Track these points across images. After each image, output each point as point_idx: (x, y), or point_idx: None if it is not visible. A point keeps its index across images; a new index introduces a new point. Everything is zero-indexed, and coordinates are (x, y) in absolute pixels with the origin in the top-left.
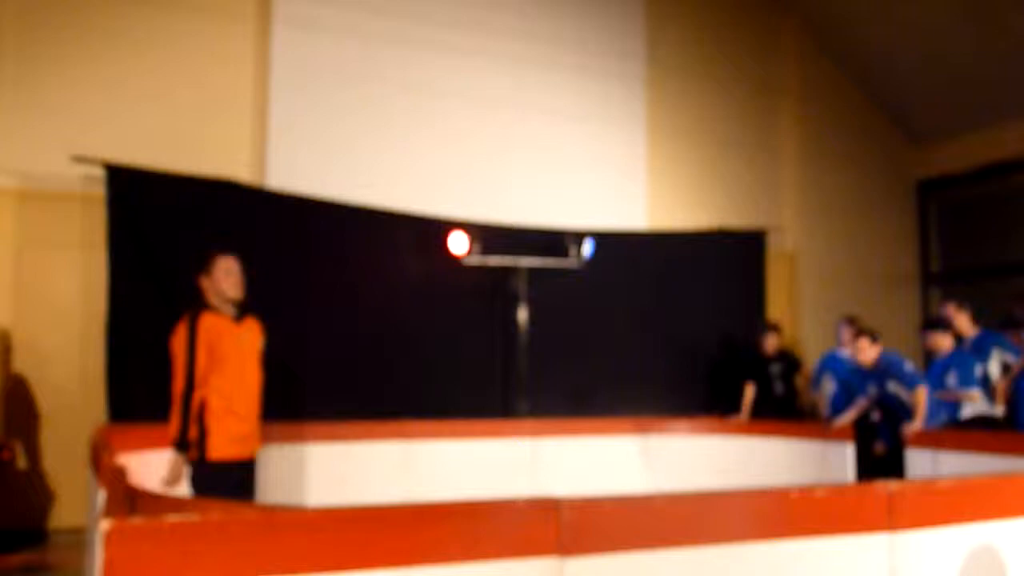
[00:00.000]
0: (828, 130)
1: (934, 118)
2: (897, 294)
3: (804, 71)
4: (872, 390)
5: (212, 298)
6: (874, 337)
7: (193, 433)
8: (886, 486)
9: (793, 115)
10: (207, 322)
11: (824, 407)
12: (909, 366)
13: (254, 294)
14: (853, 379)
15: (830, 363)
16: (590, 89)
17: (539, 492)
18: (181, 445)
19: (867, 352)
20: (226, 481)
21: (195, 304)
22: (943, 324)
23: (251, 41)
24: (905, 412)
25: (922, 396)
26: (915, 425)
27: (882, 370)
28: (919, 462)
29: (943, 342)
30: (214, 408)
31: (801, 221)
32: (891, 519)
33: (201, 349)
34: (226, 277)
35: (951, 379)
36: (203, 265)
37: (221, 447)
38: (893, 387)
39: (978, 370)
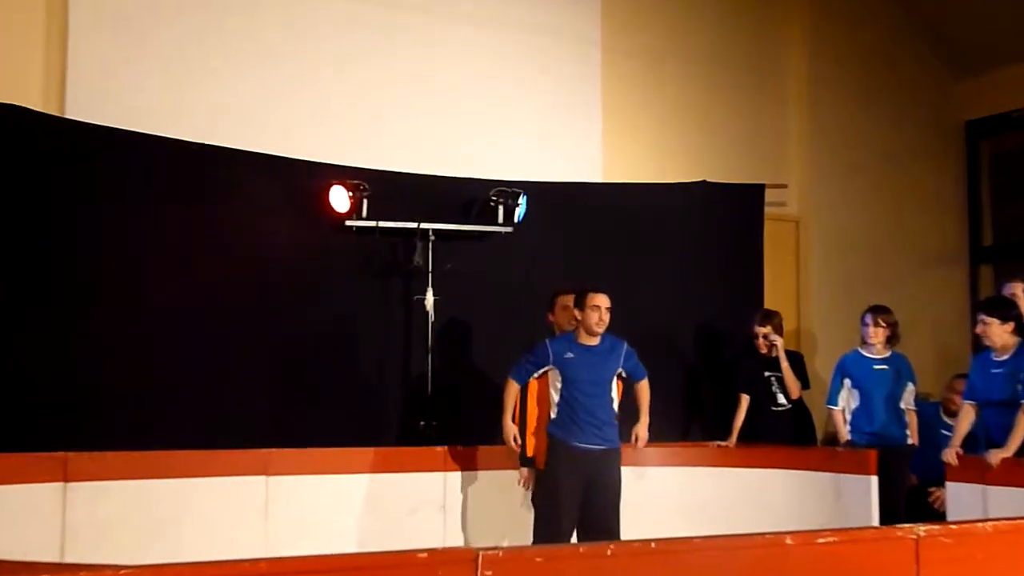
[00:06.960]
0: (847, 60)
1: (987, 42)
2: (937, 272)
3: None
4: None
5: None
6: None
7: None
8: (912, 530)
9: (801, 40)
10: None
11: (842, 428)
12: None
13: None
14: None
15: (851, 367)
16: None
17: (451, 542)
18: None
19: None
20: None
21: None
22: (1015, 312)
23: None
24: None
25: None
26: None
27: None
28: (966, 500)
29: (1009, 338)
30: None
31: (811, 176)
32: (919, 573)
33: None
34: None
35: None
36: None
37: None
38: None
39: None
